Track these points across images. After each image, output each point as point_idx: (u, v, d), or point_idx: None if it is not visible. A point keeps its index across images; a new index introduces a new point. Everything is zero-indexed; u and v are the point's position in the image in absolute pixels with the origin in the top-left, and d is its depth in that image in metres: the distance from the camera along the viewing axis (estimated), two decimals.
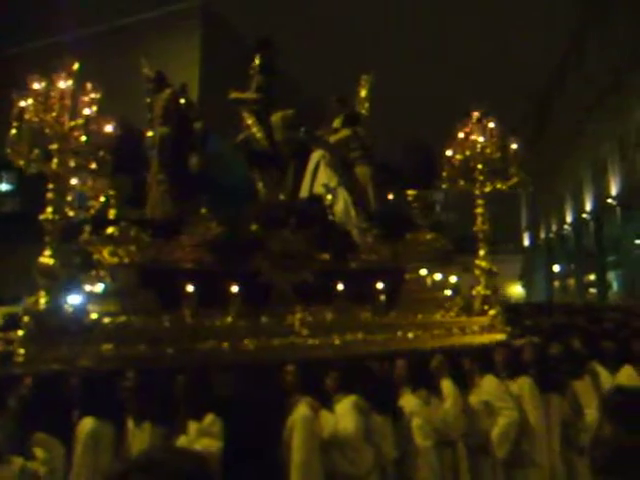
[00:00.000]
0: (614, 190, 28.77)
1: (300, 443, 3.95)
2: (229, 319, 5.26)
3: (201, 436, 3.83)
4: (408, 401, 4.58)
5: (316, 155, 7.62)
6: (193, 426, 3.93)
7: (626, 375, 5.38)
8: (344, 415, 4.10)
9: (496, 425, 4.76)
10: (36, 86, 5.21)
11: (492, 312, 6.57)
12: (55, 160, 5.23)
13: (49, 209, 5.20)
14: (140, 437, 3.88)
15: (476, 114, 6.99)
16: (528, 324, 10.16)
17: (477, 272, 6.90)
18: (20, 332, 4.89)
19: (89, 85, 5.35)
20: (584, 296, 30.00)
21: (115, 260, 5.69)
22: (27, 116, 5.20)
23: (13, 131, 5.23)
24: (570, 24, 33.70)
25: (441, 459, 4.56)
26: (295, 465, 3.92)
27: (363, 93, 8.03)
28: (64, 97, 5.15)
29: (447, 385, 4.72)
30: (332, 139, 7.25)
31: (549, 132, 38.36)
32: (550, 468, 4.95)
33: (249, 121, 6.94)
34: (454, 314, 6.27)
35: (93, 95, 5.31)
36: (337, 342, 5.17)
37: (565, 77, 35.36)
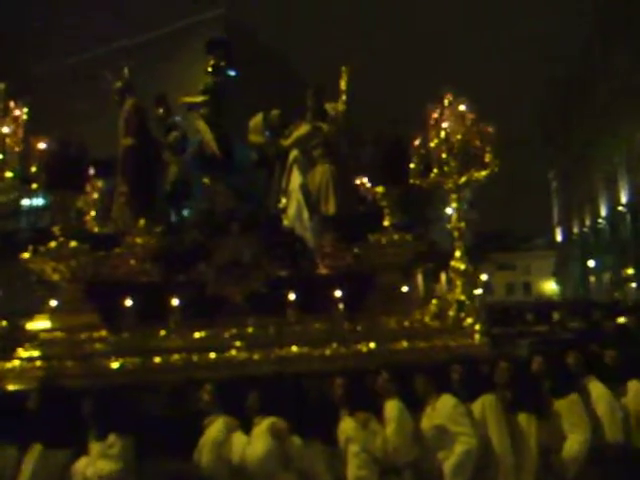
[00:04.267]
0: None
1: (206, 466, 3.72)
2: (162, 333, 4.96)
3: (100, 458, 3.60)
4: (346, 425, 4.13)
5: (291, 156, 7.29)
6: (95, 447, 3.73)
7: (634, 391, 4.66)
8: (256, 439, 3.76)
9: (452, 453, 4.19)
10: None
11: (469, 321, 5.97)
12: None
13: None
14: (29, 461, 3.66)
15: (448, 97, 6.35)
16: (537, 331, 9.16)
17: (452, 275, 6.32)
18: None
19: (12, 103, 5.26)
20: (622, 291, 28.36)
21: (57, 276, 5.50)
22: None
23: None
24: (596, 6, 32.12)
25: None
26: None
27: (342, 85, 7.62)
28: None
29: (391, 407, 4.21)
30: (286, 142, 6.87)
31: (579, 121, 36.59)
32: None
33: (200, 126, 6.66)
34: (422, 325, 5.71)
35: (17, 113, 5.22)
36: (275, 357, 4.76)
37: (593, 64, 33.67)
